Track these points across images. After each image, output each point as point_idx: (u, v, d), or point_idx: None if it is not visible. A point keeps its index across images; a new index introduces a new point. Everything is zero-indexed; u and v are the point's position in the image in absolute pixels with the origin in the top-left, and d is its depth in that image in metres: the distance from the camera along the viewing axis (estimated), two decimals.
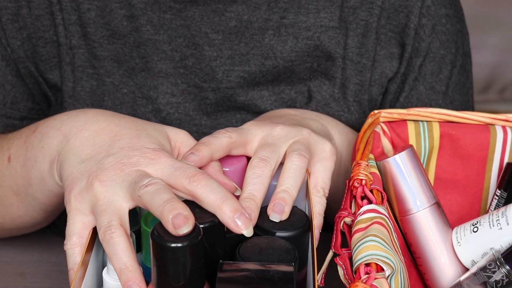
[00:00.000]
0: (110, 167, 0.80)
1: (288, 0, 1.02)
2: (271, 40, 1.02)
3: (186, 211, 0.73)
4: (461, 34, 1.08)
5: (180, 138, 0.86)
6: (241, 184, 0.85)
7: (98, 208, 0.79)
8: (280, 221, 0.81)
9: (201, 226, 0.73)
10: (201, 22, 1.01)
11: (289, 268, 0.73)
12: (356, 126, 1.06)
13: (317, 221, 0.84)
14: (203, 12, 1.01)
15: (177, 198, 0.75)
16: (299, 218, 0.82)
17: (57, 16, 1.02)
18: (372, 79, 1.05)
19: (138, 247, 0.83)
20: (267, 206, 0.83)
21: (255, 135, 0.87)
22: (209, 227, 0.75)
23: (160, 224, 0.73)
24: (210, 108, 1.04)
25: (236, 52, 1.02)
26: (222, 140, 0.84)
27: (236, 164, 0.86)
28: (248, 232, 0.76)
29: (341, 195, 0.87)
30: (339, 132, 0.99)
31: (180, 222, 0.72)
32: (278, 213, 0.81)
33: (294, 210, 0.83)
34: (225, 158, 0.86)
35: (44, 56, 1.04)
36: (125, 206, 0.79)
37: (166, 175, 0.79)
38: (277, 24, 1.02)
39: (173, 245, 0.70)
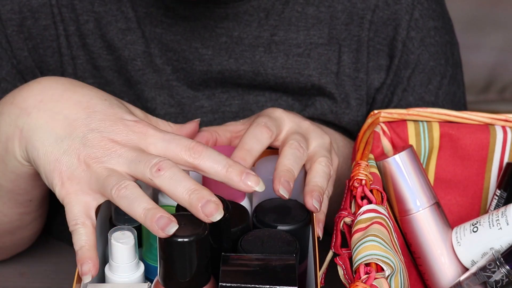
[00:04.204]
0: (98, 144, 0.77)
1: (278, 17, 1.02)
2: (261, 57, 1.02)
3: (214, 197, 0.74)
4: (451, 45, 1.09)
5: (136, 113, 0.85)
6: None
7: (107, 180, 0.76)
8: (281, 216, 0.82)
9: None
10: (191, 37, 1.01)
11: (291, 259, 0.74)
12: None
13: (320, 217, 0.85)
14: (193, 27, 1.01)
15: (199, 184, 0.75)
16: (300, 212, 0.83)
17: (58, 27, 1.02)
18: (368, 93, 1.06)
19: (139, 244, 0.83)
20: (268, 200, 0.84)
21: (285, 125, 0.87)
22: (215, 222, 0.75)
23: None
24: (207, 117, 1.05)
25: (226, 68, 1.02)
26: (264, 143, 0.84)
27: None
28: (260, 187, 0.76)
29: (330, 210, 0.88)
30: (337, 146, 1.00)
31: (212, 210, 0.73)
32: (318, 202, 0.82)
33: (295, 204, 0.84)
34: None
35: (52, 65, 1.04)
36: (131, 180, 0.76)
37: (162, 150, 0.77)
38: (267, 41, 1.02)
39: (180, 240, 0.71)
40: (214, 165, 0.76)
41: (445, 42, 1.08)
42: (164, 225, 0.72)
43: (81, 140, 0.78)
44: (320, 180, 0.84)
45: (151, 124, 0.80)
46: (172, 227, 0.72)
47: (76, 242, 0.76)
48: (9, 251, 1.03)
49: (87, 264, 0.75)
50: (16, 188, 0.88)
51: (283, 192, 0.80)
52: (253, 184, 0.76)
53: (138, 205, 0.74)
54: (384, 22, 1.04)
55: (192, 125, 0.88)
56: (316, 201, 0.82)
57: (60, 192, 0.78)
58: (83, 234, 0.76)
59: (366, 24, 1.04)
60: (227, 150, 0.86)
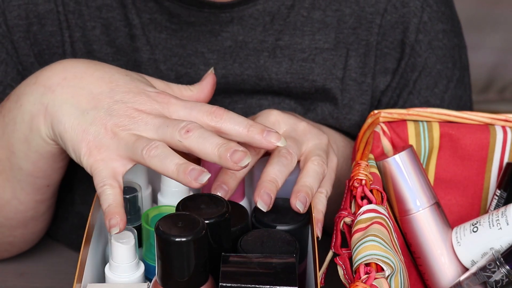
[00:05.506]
0: (124, 114, 0.80)
1: (283, 22, 1.02)
2: (266, 61, 1.02)
3: (241, 147, 0.77)
4: (459, 48, 1.08)
5: (157, 85, 0.87)
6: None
7: (137, 143, 0.78)
8: (280, 215, 0.82)
9: (206, 221, 0.74)
10: (197, 42, 1.01)
11: (291, 259, 0.74)
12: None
13: (319, 217, 0.86)
14: (199, 32, 1.01)
15: (226, 139, 0.78)
16: (298, 212, 0.82)
17: (64, 33, 1.02)
18: (373, 96, 1.05)
19: (139, 244, 0.83)
20: None
21: (279, 130, 0.88)
22: (214, 222, 0.76)
23: (164, 219, 0.73)
24: None
25: (230, 72, 1.02)
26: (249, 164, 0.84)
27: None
28: (281, 142, 0.80)
29: (330, 210, 0.88)
30: (337, 146, 0.99)
31: (240, 157, 0.76)
32: (303, 204, 0.83)
33: None
34: None
35: None
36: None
37: (184, 117, 0.81)
38: (272, 46, 1.02)
39: (177, 239, 0.71)
40: (236, 126, 0.80)
41: (453, 45, 1.07)
42: (196, 176, 0.75)
43: (106, 111, 0.81)
44: (309, 179, 0.84)
45: (172, 94, 0.83)
46: (204, 176, 0.76)
47: (104, 201, 0.78)
48: (16, 248, 1.03)
49: (115, 218, 0.77)
50: (37, 170, 0.89)
51: (261, 205, 0.82)
52: (275, 140, 0.80)
53: (170, 161, 0.77)
54: (392, 25, 1.03)
55: (209, 79, 0.90)
56: (300, 202, 0.83)
57: (88, 161, 0.80)
58: (111, 194, 0.78)
59: (375, 28, 1.03)
60: None
